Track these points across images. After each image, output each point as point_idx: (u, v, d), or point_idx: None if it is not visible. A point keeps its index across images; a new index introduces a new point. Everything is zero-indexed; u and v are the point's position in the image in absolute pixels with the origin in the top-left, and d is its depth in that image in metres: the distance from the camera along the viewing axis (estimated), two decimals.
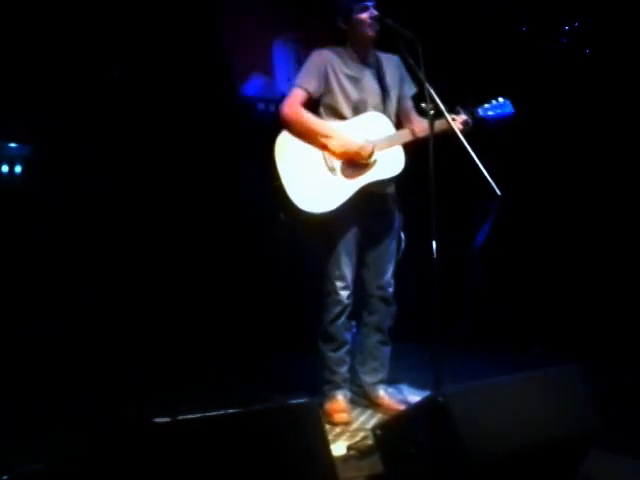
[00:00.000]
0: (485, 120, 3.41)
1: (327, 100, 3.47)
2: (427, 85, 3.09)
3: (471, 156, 3.01)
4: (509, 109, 3.42)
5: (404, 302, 3.69)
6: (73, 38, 4.23)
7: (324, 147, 3.36)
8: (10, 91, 4.01)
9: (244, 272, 4.76)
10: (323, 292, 3.48)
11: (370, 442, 2.75)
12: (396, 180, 3.48)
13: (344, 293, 3.45)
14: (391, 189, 3.53)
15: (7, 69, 4.03)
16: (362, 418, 3.44)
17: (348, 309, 3.48)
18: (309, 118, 3.39)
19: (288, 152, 3.38)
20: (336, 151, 3.34)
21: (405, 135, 3.39)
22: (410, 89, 3.58)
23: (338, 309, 3.45)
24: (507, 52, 5.07)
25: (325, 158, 3.37)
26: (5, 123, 4.01)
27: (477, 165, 2.99)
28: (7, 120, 4.00)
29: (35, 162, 4.16)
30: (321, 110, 3.49)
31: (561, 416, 2.43)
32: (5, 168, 4.07)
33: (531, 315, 4.76)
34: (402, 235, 3.64)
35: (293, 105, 3.40)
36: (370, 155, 3.33)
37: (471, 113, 3.40)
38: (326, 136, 3.35)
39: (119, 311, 4.31)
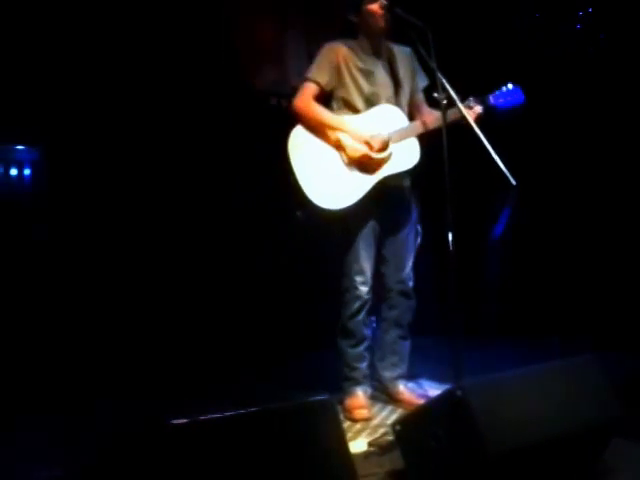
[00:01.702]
0: (496, 108, 3.37)
1: (340, 93, 3.44)
2: (439, 74, 3.06)
3: (485, 146, 2.97)
4: (520, 97, 3.36)
5: (423, 295, 3.66)
6: (81, 39, 4.22)
7: (337, 142, 3.33)
8: (18, 93, 4.00)
9: (261, 271, 4.74)
10: (342, 287, 3.46)
11: (391, 438, 2.73)
12: (412, 172, 3.44)
13: (363, 288, 3.42)
14: (407, 182, 3.50)
15: (15, 71, 4.02)
16: (383, 414, 3.42)
17: (368, 304, 3.45)
18: (320, 112, 3.38)
19: (303, 148, 3.36)
20: (347, 145, 3.31)
21: (417, 127, 3.36)
22: (422, 81, 3.56)
23: (357, 304, 3.42)
24: (520, 39, 5.01)
25: (341, 153, 3.35)
26: (13, 126, 4.01)
27: (491, 155, 2.96)
28: (15, 123, 3.99)
29: (44, 165, 4.17)
30: (334, 104, 3.47)
31: (581, 406, 2.40)
32: (14, 171, 4.08)
33: (549, 305, 4.71)
34: (419, 228, 3.60)
35: (305, 99, 3.39)
36: (383, 148, 3.30)
37: (482, 101, 3.36)
38: (336, 129, 3.33)
39: (136, 313, 4.29)
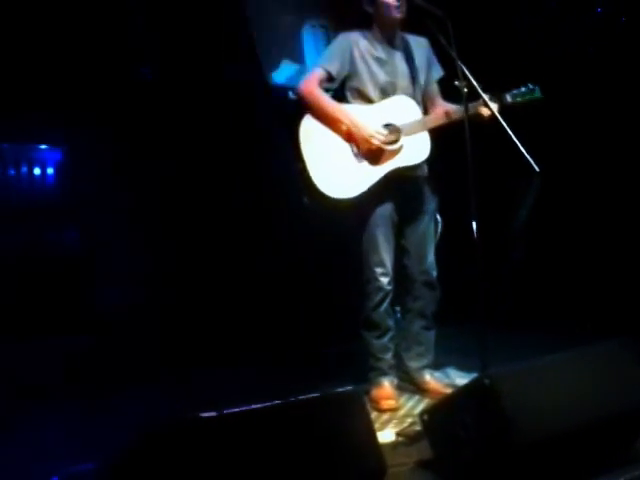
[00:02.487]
0: (513, 105, 3.34)
1: (353, 83, 3.43)
2: (459, 62, 3.04)
3: (507, 133, 2.96)
4: (537, 94, 3.34)
5: (449, 285, 3.64)
6: (101, 38, 4.25)
7: (347, 135, 3.32)
8: (41, 94, 4.04)
9: (285, 261, 4.74)
10: (363, 279, 3.45)
11: (418, 428, 2.73)
12: (429, 162, 3.43)
13: (384, 279, 3.41)
14: (423, 171, 3.48)
15: (38, 71, 4.06)
16: (410, 404, 3.42)
17: (390, 295, 3.45)
18: (323, 99, 3.36)
19: (313, 136, 3.37)
20: (353, 137, 3.30)
21: (437, 119, 3.34)
22: (437, 72, 3.54)
23: (380, 296, 3.42)
24: (539, 25, 4.97)
25: (351, 144, 3.34)
26: (37, 126, 4.04)
27: (514, 142, 2.94)
28: (39, 123, 4.03)
29: (67, 165, 4.20)
30: (347, 93, 3.46)
31: (613, 391, 2.38)
32: (37, 171, 4.11)
33: (575, 292, 4.67)
34: (438, 217, 3.59)
35: (310, 83, 3.39)
36: (394, 139, 3.29)
37: (499, 100, 3.32)
38: (338, 120, 3.32)
39: (160, 309, 4.32)
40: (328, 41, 5.13)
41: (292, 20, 5.11)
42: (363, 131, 3.29)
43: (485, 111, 3.19)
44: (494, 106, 3.23)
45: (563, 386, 2.32)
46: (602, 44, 4.89)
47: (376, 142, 3.27)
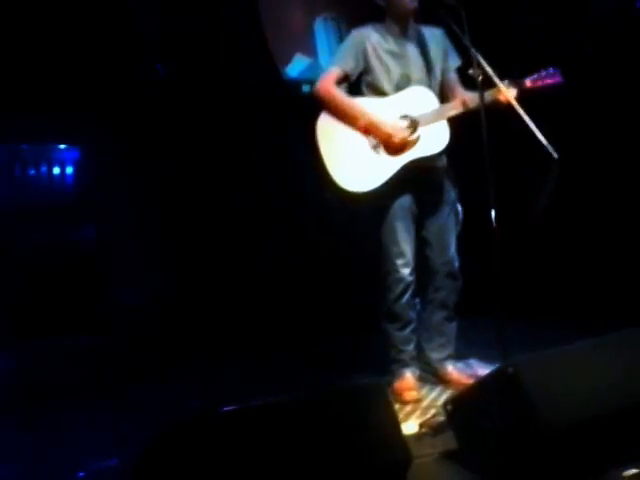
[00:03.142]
0: (533, 90, 3.30)
1: (368, 78, 3.42)
2: (473, 51, 3.02)
3: (525, 120, 2.93)
4: (559, 78, 3.29)
5: (469, 275, 3.62)
6: (119, 38, 4.27)
7: (365, 130, 3.31)
8: (60, 93, 4.07)
9: (306, 253, 4.75)
10: (383, 271, 3.44)
11: (442, 418, 2.72)
12: (448, 152, 3.41)
13: (405, 270, 3.40)
14: (442, 162, 3.46)
15: (56, 71, 4.09)
16: (432, 395, 3.40)
17: (412, 286, 3.43)
18: (342, 98, 3.36)
19: (330, 131, 3.36)
20: (372, 134, 3.30)
21: (454, 107, 3.32)
22: (454, 61, 3.50)
23: (401, 287, 3.40)
24: (553, 13, 4.93)
25: (368, 137, 3.33)
26: (56, 125, 4.07)
27: (531, 129, 2.92)
28: (58, 122, 4.06)
29: (85, 164, 4.22)
30: (363, 89, 3.44)
31: (637, 378, 2.35)
32: (56, 170, 4.14)
33: (595, 282, 4.63)
34: (459, 207, 3.57)
35: (326, 83, 3.37)
36: (412, 130, 3.27)
37: (518, 84, 3.28)
38: (355, 118, 3.31)
39: (178, 306, 4.33)
40: (340, 34, 5.14)
41: (304, 14, 5.12)
42: (382, 129, 3.28)
43: (503, 97, 3.16)
44: (513, 91, 3.20)
45: (587, 374, 2.31)
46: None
47: (396, 140, 3.26)
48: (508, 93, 3.11)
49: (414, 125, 3.30)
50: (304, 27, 5.12)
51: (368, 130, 3.31)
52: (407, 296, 3.43)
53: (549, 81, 3.29)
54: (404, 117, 3.32)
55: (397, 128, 3.28)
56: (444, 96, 3.46)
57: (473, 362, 3.80)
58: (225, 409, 2.11)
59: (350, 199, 3.31)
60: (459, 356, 3.68)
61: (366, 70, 3.41)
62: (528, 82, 3.30)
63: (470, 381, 3.36)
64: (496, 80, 3.06)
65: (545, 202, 4.15)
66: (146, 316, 4.29)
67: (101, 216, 4.24)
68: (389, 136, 3.27)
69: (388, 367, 3.49)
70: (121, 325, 4.18)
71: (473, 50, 3.03)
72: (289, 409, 2.19)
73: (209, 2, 4.63)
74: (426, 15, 3.44)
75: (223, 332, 4.29)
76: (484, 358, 3.79)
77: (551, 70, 3.30)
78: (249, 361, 4.15)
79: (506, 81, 3.26)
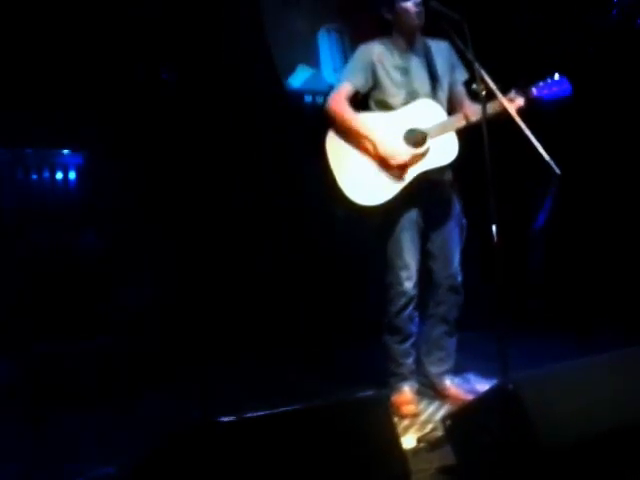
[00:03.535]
0: (541, 99, 3.29)
1: (376, 94, 3.43)
2: (477, 65, 3.03)
3: (527, 136, 2.93)
4: (566, 87, 3.26)
5: (469, 289, 3.61)
6: (122, 43, 4.28)
7: (372, 149, 3.32)
8: (63, 98, 4.07)
9: (306, 265, 4.74)
10: (386, 283, 3.43)
11: (439, 433, 2.72)
12: (453, 166, 3.41)
13: (409, 284, 3.39)
14: (448, 175, 3.47)
15: (60, 76, 4.10)
16: (430, 410, 3.39)
17: (414, 300, 3.43)
18: (351, 116, 3.36)
19: (340, 145, 3.37)
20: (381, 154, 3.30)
21: (458, 120, 3.32)
22: (462, 74, 3.51)
23: (403, 300, 3.40)
24: (554, 27, 4.94)
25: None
26: (59, 130, 4.08)
27: (534, 144, 2.92)
28: (61, 127, 4.06)
29: (88, 169, 4.23)
30: (372, 104, 3.45)
31: (638, 398, 2.34)
32: (59, 175, 4.14)
33: (596, 296, 4.63)
34: (464, 221, 3.56)
35: (338, 99, 3.38)
36: (420, 143, 3.27)
37: (524, 93, 3.28)
38: (362, 136, 3.32)
39: (179, 310, 4.33)
40: (343, 46, 5.15)
41: (307, 25, 5.13)
42: (382, 150, 3.28)
43: (506, 111, 3.16)
44: (520, 100, 3.21)
45: (588, 392, 2.30)
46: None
47: (394, 163, 3.26)
48: (511, 108, 3.10)
49: (423, 138, 3.30)
50: (308, 38, 5.13)
51: (373, 149, 3.31)
52: (409, 309, 3.42)
53: (556, 90, 3.28)
54: (412, 130, 3.32)
55: (397, 151, 3.28)
56: (453, 109, 3.46)
57: (471, 377, 3.80)
58: (223, 419, 2.09)
59: (360, 212, 3.32)
60: (457, 370, 3.67)
61: (374, 85, 3.42)
62: (534, 91, 3.29)
63: (468, 396, 3.38)
64: (498, 94, 3.06)
65: (545, 217, 4.17)
66: (147, 319, 4.28)
67: (103, 221, 4.23)
68: (388, 158, 3.28)
69: (386, 379, 3.48)
70: (122, 328, 4.18)
71: (476, 64, 3.03)
72: (287, 421, 2.17)
73: (213, 8, 4.63)
74: (431, 28, 3.44)
75: (222, 338, 4.29)
76: (482, 372, 3.79)
77: (558, 78, 3.28)
78: (248, 368, 4.14)
79: (513, 90, 3.27)
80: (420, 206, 3.40)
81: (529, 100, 3.27)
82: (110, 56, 4.26)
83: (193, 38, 4.52)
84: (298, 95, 5.04)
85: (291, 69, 5.04)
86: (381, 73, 3.40)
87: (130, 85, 4.32)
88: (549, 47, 4.77)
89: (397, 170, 3.29)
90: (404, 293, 3.39)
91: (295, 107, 4.97)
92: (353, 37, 5.06)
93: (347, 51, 5.07)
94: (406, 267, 3.39)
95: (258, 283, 4.60)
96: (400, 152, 3.28)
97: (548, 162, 2.91)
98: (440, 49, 3.47)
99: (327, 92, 3.64)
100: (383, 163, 3.30)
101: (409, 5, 3.31)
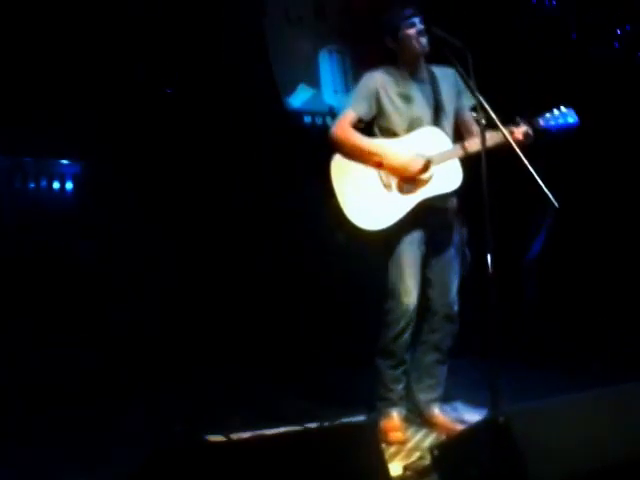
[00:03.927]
0: (548, 131, 3.28)
1: (381, 121, 3.43)
2: (477, 94, 3.03)
3: (527, 167, 2.93)
4: (573, 119, 3.27)
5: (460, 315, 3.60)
6: (125, 57, 4.29)
7: (379, 165, 3.32)
8: (62, 108, 4.07)
9: (299, 288, 4.72)
10: (385, 308, 3.41)
11: (426, 462, 2.70)
12: (458, 194, 3.41)
13: (409, 309, 3.36)
14: (452, 203, 3.46)
15: (60, 87, 4.10)
16: (417, 437, 3.36)
17: (411, 326, 3.40)
18: (358, 138, 3.36)
19: (344, 172, 3.37)
20: (387, 169, 3.30)
21: (461, 149, 3.32)
22: (468, 100, 3.49)
23: (402, 325, 3.37)
24: (557, 60, 4.98)
25: (381, 175, 3.33)
26: (57, 140, 4.07)
27: (533, 176, 2.92)
28: (59, 137, 4.06)
29: (86, 179, 4.22)
30: (376, 131, 3.46)
31: (631, 435, 2.33)
32: (56, 185, 4.14)
33: (588, 330, 4.63)
34: (467, 251, 3.54)
35: (343, 127, 3.38)
36: (423, 169, 3.27)
37: (531, 124, 3.28)
38: (376, 154, 3.32)
39: (167, 328, 4.30)
40: (344, 67, 5.17)
41: (310, 44, 5.14)
42: (397, 161, 3.28)
43: (516, 136, 3.15)
44: (521, 131, 3.20)
45: (579, 428, 2.28)
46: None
47: (412, 170, 3.26)
48: (510, 138, 3.10)
49: (427, 164, 3.30)
50: (309, 58, 5.14)
51: (383, 165, 3.31)
52: (406, 336, 3.39)
53: (563, 121, 3.27)
54: (415, 157, 3.31)
55: (412, 160, 3.27)
56: (460, 136, 3.46)
57: (459, 406, 3.77)
58: (209, 439, 2.07)
59: (362, 237, 3.30)
60: (445, 397, 3.64)
61: (378, 113, 3.43)
62: (541, 122, 3.29)
63: (456, 425, 3.36)
64: (498, 124, 3.06)
65: (539, 248, 4.18)
66: (144, 329, 4.24)
67: (99, 230, 4.22)
68: (404, 168, 3.27)
69: (374, 403, 3.45)
70: (120, 338, 4.15)
71: (477, 94, 3.04)
72: (275, 444, 2.16)
73: (214, 22, 4.65)
74: (437, 55, 3.45)
75: (212, 354, 4.27)
76: (470, 400, 3.78)
77: (564, 109, 3.29)
78: (236, 387, 4.10)
79: (518, 118, 3.27)
80: (423, 232, 3.39)
81: (535, 131, 3.27)
82: (110, 67, 4.26)
83: (195, 51, 4.52)
84: (297, 115, 5.04)
85: (292, 88, 5.04)
86: (385, 101, 3.40)
87: (130, 95, 4.32)
88: (553, 77, 4.81)
89: (409, 184, 3.28)
90: (404, 318, 3.36)
91: (294, 127, 4.97)
92: (355, 59, 5.08)
93: (348, 73, 5.09)
94: (407, 292, 3.36)
95: (248, 307, 4.58)
96: (416, 161, 3.27)
97: (547, 195, 2.91)
98: (446, 75, 3.47)
99: (326, 113, 3.65)
100: (389, 185, 3.30)
101: (412, 33, 3.33)
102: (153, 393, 3.86)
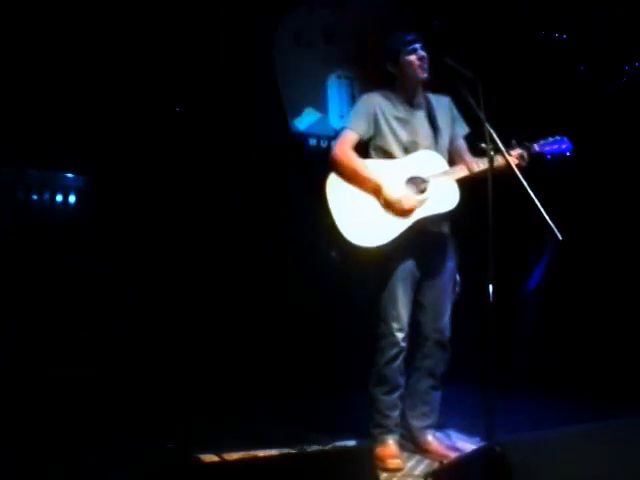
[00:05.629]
0: (542, 155, 3.39)
1: (378, 142, 3.47)
2: (487, 125, 3.05)
3: (531, 197, 2.94)
4: (567, 145, 3.39)
5: (454, 343, 3.59)
6: (133, 73, 4.31)
7: (375, 192, 3.34)
8: (67, 121, 4.09)
9: (292, 310, 4.71)
10: (377, 333, 3.41)
11: None
12: (452, 220, 3.43)
13: (400, 335, 3.37)
14: (446, 228, 3.48)
15: (65, 100, 4.12)
16: (410, 464, 3.34)
17: (404, 352, 3.40)
18: (358, 164, 3.39)
19: (340, 189, 3.38)
20: (385, 195, 3.31)
21: (460, 170, 3.36)
22: (462, 128, 3.57)
23: (394, 351, 3.37)
24: (565, 91, 5.02)
25: (379, 198, 3.34)
26: (61, 154, 4.09)
27: (537, 207, 2.93)
28: (63, 151, 4.08)
29: (89, 193, 4.23)
30: (371, 151, 3.49)
31: (630, 471, 2.31)
32: (59, 198, 4.14)
33: (585, 361, 4.62)
34: (457, 277, 3.55)
35: (344, 149, 3.41)
36: (411, 209, 3.29)
37: (527, 148, 3.37)
38: (374, 183, 3.33)
39: (162, 346, 4.28)
40: (352, 93, 5.20)
41: (319, 69, 5.17)
42: (391, 196, 3.29)
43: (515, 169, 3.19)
44: (518, 150, 3.31)
45: (577, 462, 2.26)
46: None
47: (405, 206, 3.27)
48: (516, 168, 3.11)
49: (424, 184, 3.31)
50: (317, 82, 5.17)
51: (378, 192, 3.32)
52: (399, 361, 3.39)
53: (557, 147, 3.38)
54: (413, 178, 3.34)
55: (405, 198, 3.29)
56: (453, 162, 3.49)
57: (452, 433, 3.77)
58: (205, 460, 2.06)
59: (357, 256, 3.30)
60: (439, 424, 3.62)
61: (375, 134, 3.46)
62: (536, 147, 3.39)
63: (449, 453, 3.36)
64: (507, 157, 3.08)
65: (539, 279, 4.18)
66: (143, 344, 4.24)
67: (102, 243, 4.22)
68: (394, 202, 3.29)
69: (370, 430, 3.43)
70: (116, 351, 4.14)
71: (487, 125, 3.06)
72: (270, 467, 2.14)
73: (223, 42, 4.67)
74: (433, 82, 3.49)
75: (206, 377, 4.23)
76: (464, 428, 3.77)
77: (557, 137, 3.41)
78: (231, 412, 4.06)
79: (514, 141, 3.32)
80: (417, 257, 3.40)
81: (530, 155, 3.35)
82: (117, 86, 4.29)
83: (205, 75, 4.55)
84: (302, 138, 5.06)
85: (298, 111, 5.07)
86: (382, 122, 3.44)
87: (135, 110, 4.34)
88: (558, 109, 4.84)
89: (400, 214, 3.30)
90: (396, 344, 3.37)
91: (299, 150, 4.98)
92: (363, 85, 5.11)
93: (356, 98, 5.11)
94: (399, 318, 3.37)
95: (240, 329, 4.56)
96: (406, 197, 3.29)
97: (550, 226, 2.92)
98: (441, 104, 3.53)
99: (332, 137, 3.66)
100: (386, 206, 3.31)
101: (413, 59, 3.39)
102: (145, 412, 3.81)
